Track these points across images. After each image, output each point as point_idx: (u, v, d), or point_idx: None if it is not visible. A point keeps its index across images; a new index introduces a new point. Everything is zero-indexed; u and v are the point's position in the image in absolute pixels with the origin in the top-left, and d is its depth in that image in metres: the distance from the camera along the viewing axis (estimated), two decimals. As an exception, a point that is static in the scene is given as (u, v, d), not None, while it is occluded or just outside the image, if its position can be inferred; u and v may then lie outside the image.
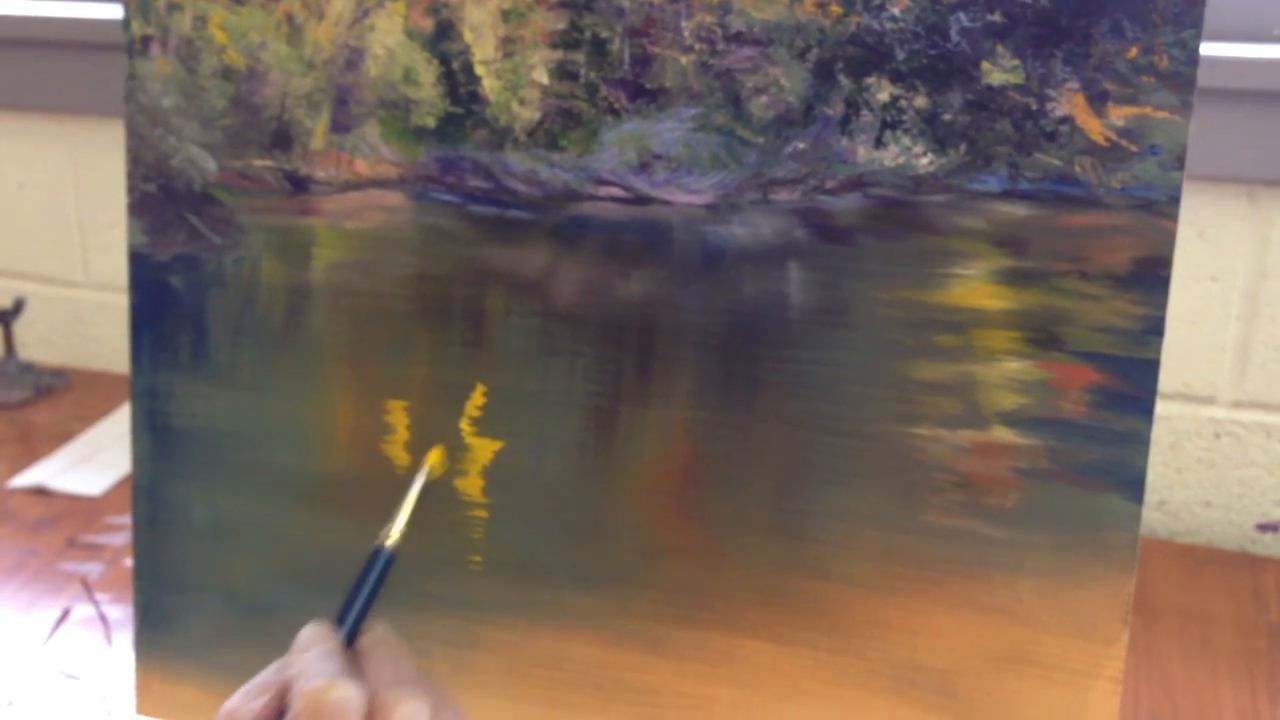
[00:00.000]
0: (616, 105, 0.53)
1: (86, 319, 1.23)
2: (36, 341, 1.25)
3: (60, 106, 1.16)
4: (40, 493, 0.97)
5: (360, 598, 0.50)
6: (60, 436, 1.06)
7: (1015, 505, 0.50)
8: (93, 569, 0.86)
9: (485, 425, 0.57)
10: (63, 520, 0.93)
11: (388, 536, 0.51)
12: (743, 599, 0.54)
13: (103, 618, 0.80)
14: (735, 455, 0.54)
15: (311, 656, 0.46)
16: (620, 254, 0.54)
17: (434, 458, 0.55)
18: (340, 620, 0.49)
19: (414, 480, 0.53)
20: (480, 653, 0.58)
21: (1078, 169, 0.48)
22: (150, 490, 0.63)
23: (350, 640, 0.49)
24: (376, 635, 0.49)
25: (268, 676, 0.46)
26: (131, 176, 0.60)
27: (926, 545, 0.52)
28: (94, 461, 1.02)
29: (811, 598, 0.53)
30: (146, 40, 0.59)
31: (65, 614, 0.80)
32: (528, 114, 0.54)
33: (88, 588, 0.83)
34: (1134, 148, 0.47)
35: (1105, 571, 0.50)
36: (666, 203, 0.53)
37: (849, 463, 0.52)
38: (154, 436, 0.62)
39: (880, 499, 0.52)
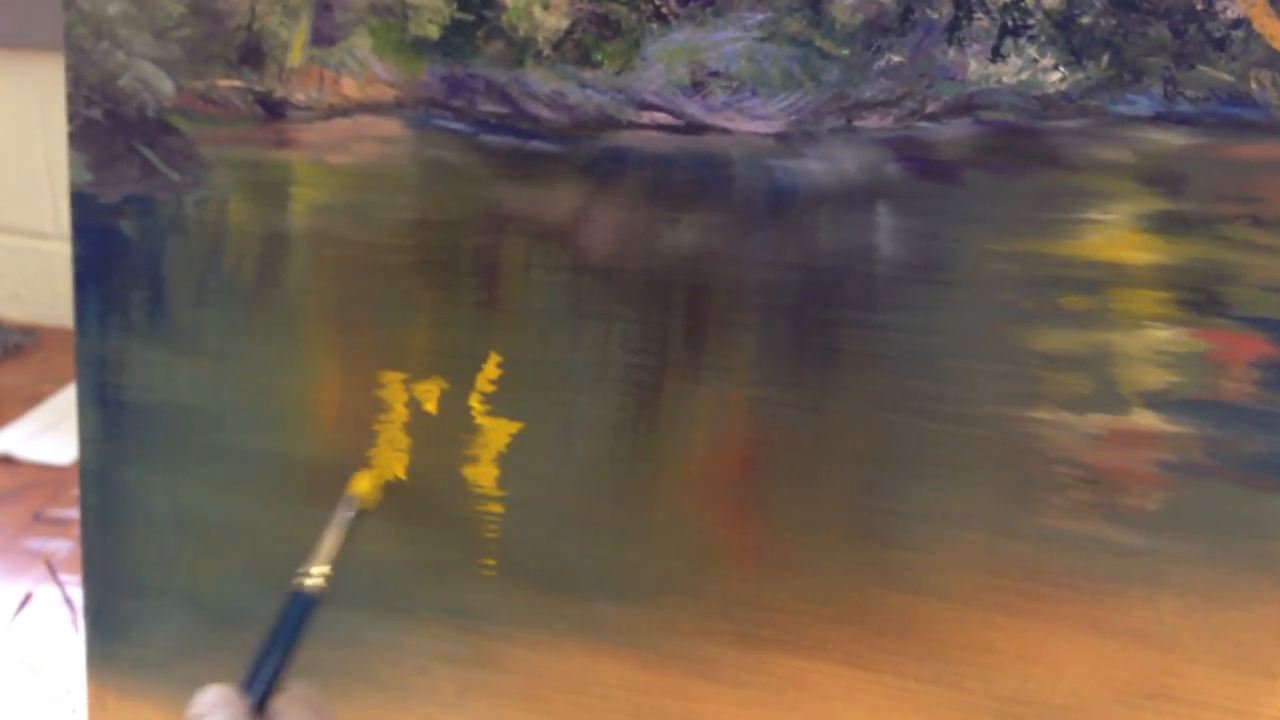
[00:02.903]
0: (664, 9, 0.46)
1: (57, 273, 1.22)
2: (4, 296, 1.24)
3: (26, 42, 1.13)
4: (6, 461, 0.95)
5: (273, 653, 0.45)
6: (29, 400, 1.05)
7: (1159, 507, 0.44)
8: (60, 546, 0.84)
9: (500, 403, 0.51)
10: (29, 492, 0.91)
11: (306, 577, 0.47)
12: (813, 614, 0.49)
13: (68, 601, 0.77)
14: (806, 441, 0.48)
15: None
16: (667, 194, 0.48)
17: (363, 484, 0.51)
18: (249, 680, 0.45)
19: (337, 512, 0.49)
20: (494, 673, 0.53)
21: (1254, 86, 0.41)
22: (100, 476, 0.57)
23: (261, 704, 0.44)
24: (292, 696, 0.45)
25: None
26: (72, 100, 0.54)
27: (1044, 554, 0.45)
28: (63, 427, 1.00)
29: (898, 615, 0.48)
30: None
31: (28, 598, 0.78)
32: (553, 21, 0.48)
33: (52, 570, 0.81)
34: None
35: (1271, 589, 0.43)
36: (725, 131, 0.47)
37: (948, 452, 0.46)
38: (104, 413, 0.57)
39: (987, 497, 0.46)
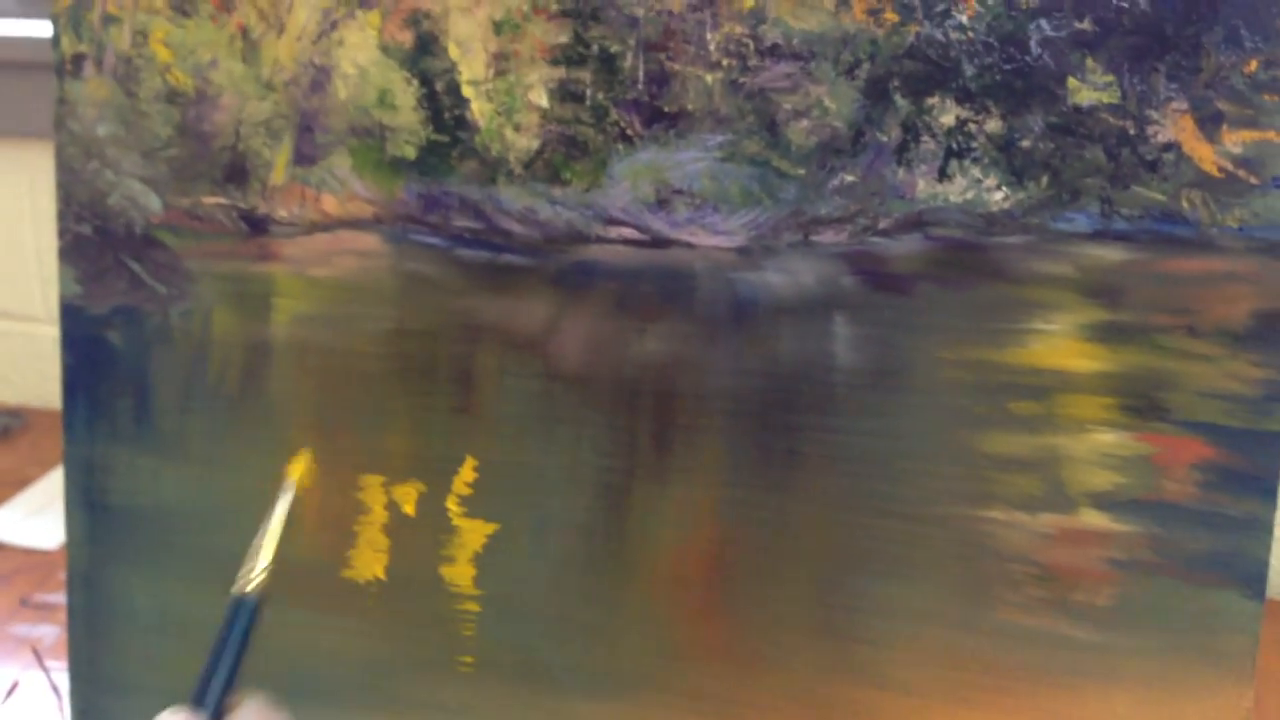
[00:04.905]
0: (629, 131, 0.47)
1: (46, 355, 1.19)
2: (-8, 380, 1.22)
3: (16, 130, 1.12)
4: (-7, 546, 0.93)
5: (222, 664, 0.43)
6: (16, 483, 1.02)
7: (1109, 603, 0.45)
8: (47, 632, 0.81)
9: (476, 505, 0.51)
10: (16, 577, 0.89)
11: (248, 581, 0.45)
12: (779, 709, 0.49)
13: (55, 689, 0.75)
14: (770, 541, 0.48)
15: None
16: (634, 306, 0.48)
17: (299, 468, 0.50)
18: (200, 693, 0.43)
19: (277, 502, 0.47)
20: (472, 767, 0.53)
21: (1185, 205, 0.42)
22: (87, 577, 0.57)
23: (217, 716, 0.42)
24: (248, 709, 0.43)
25: None
26: (63, 217, 0.55)
27: (1001, 649, 0.46)
28: (51, 511, 0.97)
29: (862, 709, 0.48)
30: (79, 59, 0.53)
31: (15, 685, 0.75)
32: (524, 142, 0.49)
33: (39, 656, 0.79)
34: (1254, 179, 0.42)
35: (1218, 681, 0.44)
36: (688, 245, 0.48)
37: (907, 551, 0.47)
38: (91, 516, 0.56)
39: (945, 594, 0.46)
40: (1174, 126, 0.42)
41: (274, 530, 0.46)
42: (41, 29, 1.05)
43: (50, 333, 1.18)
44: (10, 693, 0.74)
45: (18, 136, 1.12)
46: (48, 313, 1.18)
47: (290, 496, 0.48)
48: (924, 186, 0.45)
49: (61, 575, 0.88)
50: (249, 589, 0.45)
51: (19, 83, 1.08)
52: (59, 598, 0.85)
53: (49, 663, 0.78)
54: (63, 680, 0.75)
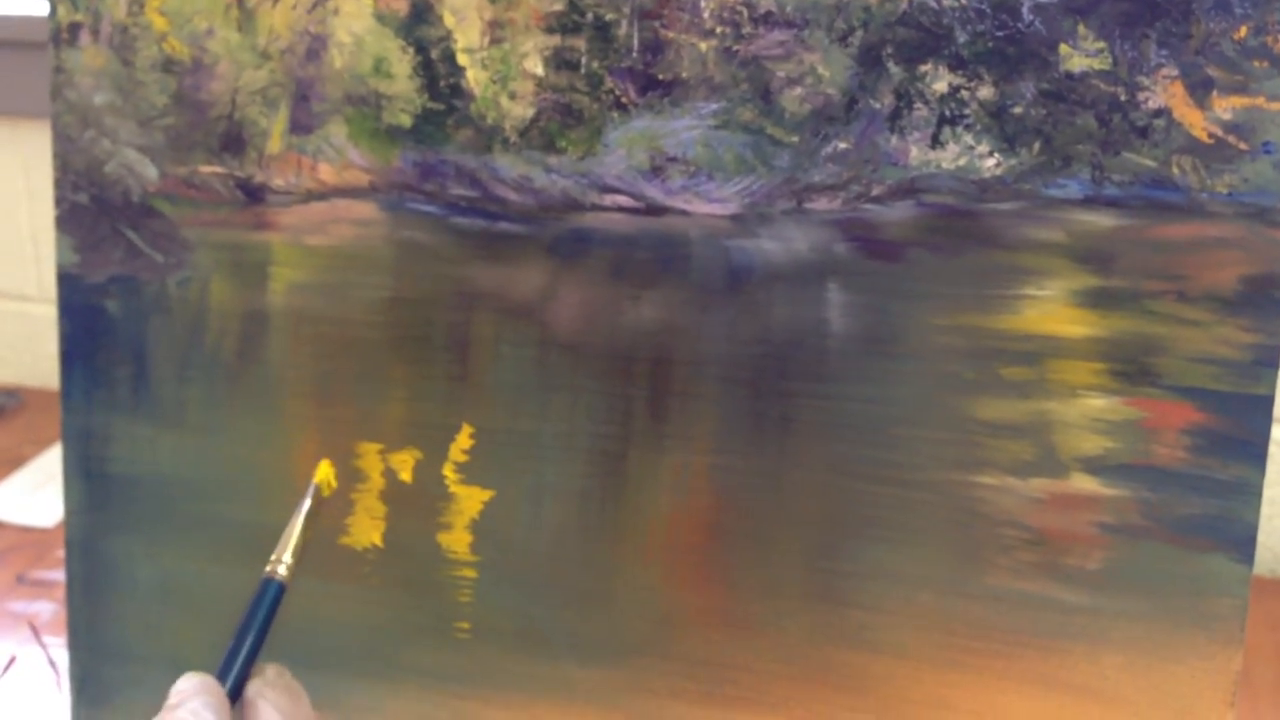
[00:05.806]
0: (624, 99, 0.47)
1: (41, 335, 1.20)
2: (-13, 359, 1.22)
3: (11, 109, 1.12)
4: (-11, 524, 0.93)
5: (246, 638, 0.44)
6: (12, 462, 1.03)
7: (1100, 567, 0.45)
8: (43, 608, 0.82)
9: (473, 472, 0.51)
10: (12, 554, 0.89)
11: (277, 565, 0.46)
12: (774, 673, 0.49)
13: (52, 664, 0.75)
14: (765, 507, 0.48)
15: (184, 713, 0.40)
16: (629, 273, 0.48)
17: (323, 472, 0.49)
18: (224, 666, 0.44)
19: (302, 500, 0.47)
20: (469, 733, 0.53)
21: (1175, 171, 0.42)
22: (85, 546, 0.57)
23: (237, 690, 0.43)
24: (266, 680, 0.44)
25: None
26: (59, 186, 0.55)
27: (992, 612, 0.46)
28: (47, 489, 0.98)
29: (855, 672, 0.48)
30: (75, 28, 0.53)
31: (12, 660, 0.76)
32: (520, 110, 0.48)
33: (36, 632, 0.79)
34: (1243, 145, 0.42)
35: (1208, 644, 0.44)
36: (683, 213, 0.47)
37: (899, 516, 0.47)
38: (89, 485, 0.56)
39: (937, 558, 0.46)
40: (1164, 93, 0.42)
41: (297, 531, 0.47)
42: (34, 7, 1.05)
43: (45, 312, 1.18)
44: (8, 667, 0.75)
45: (12, 115, 1.12)
46: (42, 292, 1.18)
47: (311, 500, 0.48)
48: (917, 153, 0.44)
49: (58, 552, 0.87)
50: (279, 572, 0.45)
51: (13, 61, 1.08)
52: (55, 574, 0.85)
53: (46, 638, 0.78)
54: (60, 655, 0.75)
